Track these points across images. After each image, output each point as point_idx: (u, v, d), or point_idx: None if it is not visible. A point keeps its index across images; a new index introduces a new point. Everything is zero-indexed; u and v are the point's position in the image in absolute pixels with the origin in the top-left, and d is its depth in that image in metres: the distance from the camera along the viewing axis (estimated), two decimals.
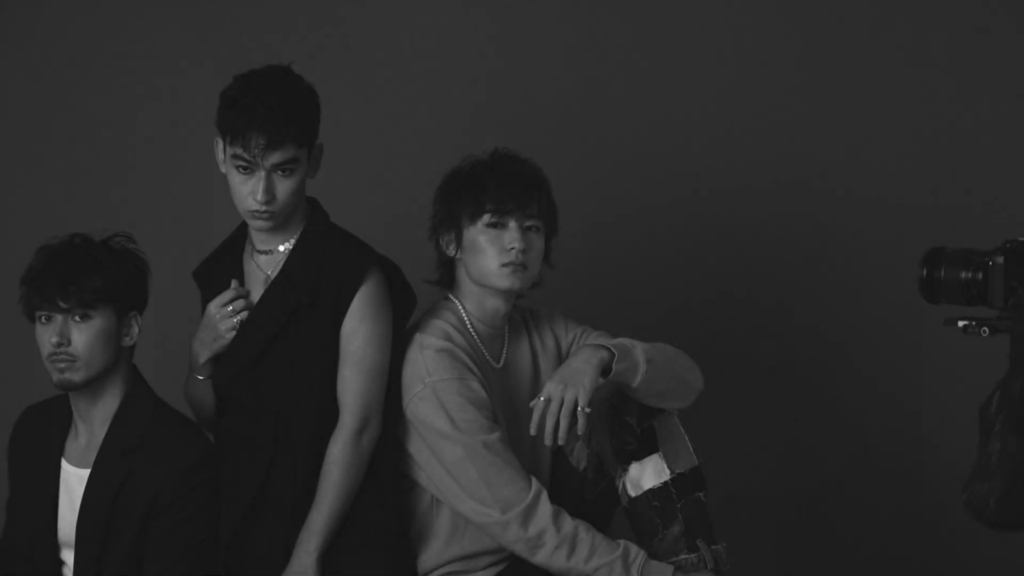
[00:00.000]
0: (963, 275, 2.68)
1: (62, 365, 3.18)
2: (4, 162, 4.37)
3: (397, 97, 4.34)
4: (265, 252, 3.28)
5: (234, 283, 3.28)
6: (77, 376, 3.19)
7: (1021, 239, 2.67)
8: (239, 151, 3.16)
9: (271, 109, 3.14)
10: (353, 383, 3.22)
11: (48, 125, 4.36)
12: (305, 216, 3.27)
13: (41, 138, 4.36)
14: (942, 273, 2.70)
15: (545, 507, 3.19)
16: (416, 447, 3.25)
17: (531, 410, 3.21)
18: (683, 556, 3.25)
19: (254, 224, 3.24)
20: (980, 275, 2.66)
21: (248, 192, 3.18)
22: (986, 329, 2.64)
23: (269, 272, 3.28)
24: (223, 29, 4.33)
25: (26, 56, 4.36)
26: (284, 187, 3.18)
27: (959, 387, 3.76)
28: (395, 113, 4.34)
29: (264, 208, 3.17)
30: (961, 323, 2.66)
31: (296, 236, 3.26)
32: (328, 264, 3.23)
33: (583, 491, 3.37)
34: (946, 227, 4.11)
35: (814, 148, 4.39)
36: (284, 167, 3.17)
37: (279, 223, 3.22)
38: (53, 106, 4.36)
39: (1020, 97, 4.35)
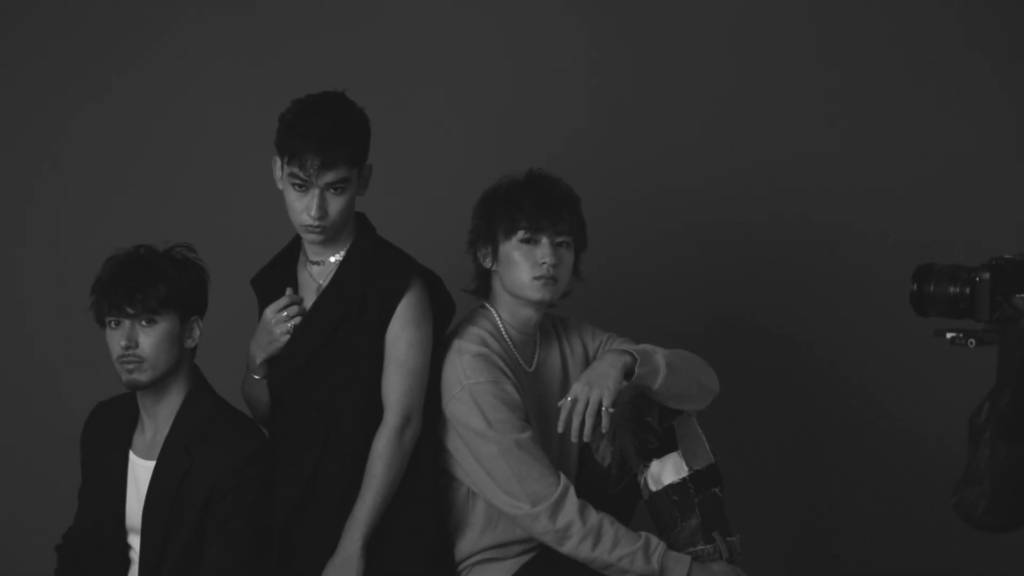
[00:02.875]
0: (951, 290, 2.71)
1: (130, 366, 3.30)
2: (76, 181, 4.44)
3: (438, 122, 4.41)
4: (317, 263, 3.38)
5: (289, 291, 3.39)
6: (144, 376, 3.31)
7: (1007, 256, 2.70)
8: (295, 170, 3.26)
9: (326, 133, 3.24)
10: (396, 384, 3.32)
11: (118, 147, 4.43)
12: (354, 230, 3.37)
13: (111, 157, 4.42)
14: (931, 288, 2.73)
15: (572, 501, 3.28)
16: (454, 444, 3.35)
17: (560, 410, 3.31)
18: (700, 547, 3.34)
19: (307, 237, 3.35)
20: (967, 290, 2.69)
21: (303, 208, 3.29)
22: (972, 341, 2.67)
23: (321, 281, 3.38)
24: (276, 54, 4.40)
25: (97, 80, 4.44)
26: (335, 204, 3.29)
27: (954, 393, 3.77)
28: (436, 137, 4.41)
29: (317, 223, 3.28)
30: (949, 335, 2.69)
31: (346, 248, 3.37)
32: (375, 274, 3.33)
33: (607, 486, 3.46)
34: (938, 246, 4.21)
35: (826, 162, 4.42)
36: (336, 186, 3.28)
37: (330, 237, 3.33)
38: (125, 130, 4.43)
39: (1009, 119, 4.39)
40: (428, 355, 3.36)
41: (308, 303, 3.41)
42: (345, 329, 3.35)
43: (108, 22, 4.45)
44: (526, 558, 3.44)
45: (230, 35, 4.43)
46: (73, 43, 4.45)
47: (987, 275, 2.69)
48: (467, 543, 3.42)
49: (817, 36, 4.43)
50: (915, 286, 2.77)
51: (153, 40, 4.45)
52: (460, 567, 3.43)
